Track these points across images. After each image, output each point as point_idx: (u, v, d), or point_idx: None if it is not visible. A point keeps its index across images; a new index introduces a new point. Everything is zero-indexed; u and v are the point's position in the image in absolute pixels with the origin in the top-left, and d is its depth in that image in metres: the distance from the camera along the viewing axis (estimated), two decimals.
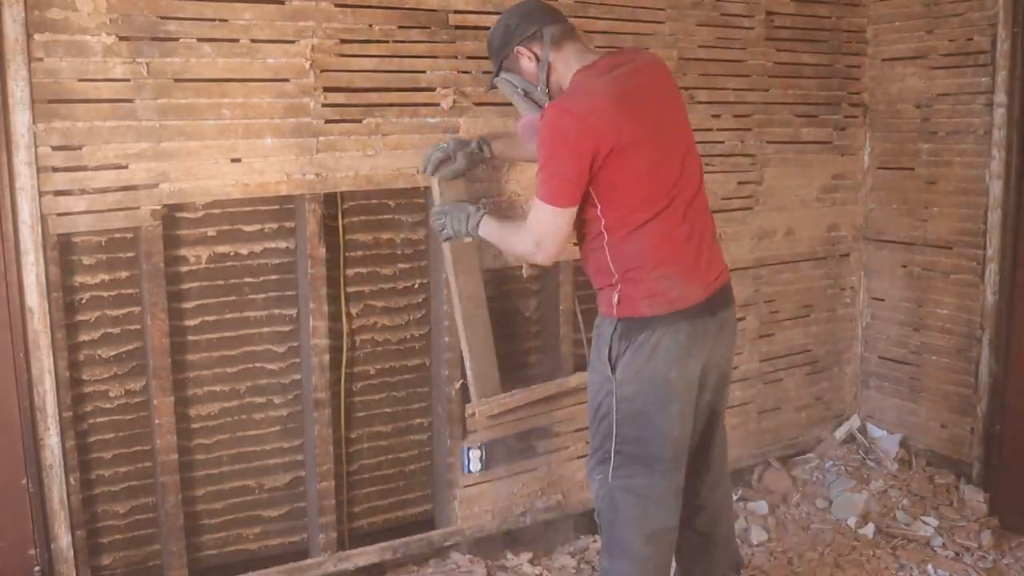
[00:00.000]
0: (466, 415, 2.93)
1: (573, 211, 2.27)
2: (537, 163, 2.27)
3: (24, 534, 2.41)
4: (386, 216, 2.92)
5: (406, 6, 2.73)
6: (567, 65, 2.32)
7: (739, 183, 3.46)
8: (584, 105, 2.20)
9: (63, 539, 2.45)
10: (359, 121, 2.71)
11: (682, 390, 2.33)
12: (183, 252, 2.65)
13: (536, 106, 2.39)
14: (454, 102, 2.83)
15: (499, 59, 2.40)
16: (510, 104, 2.89)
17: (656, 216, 2.27)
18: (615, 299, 2.31)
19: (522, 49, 2.34)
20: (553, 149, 2.21)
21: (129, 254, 2.57)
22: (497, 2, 2.86)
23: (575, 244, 2.46)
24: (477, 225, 2.53)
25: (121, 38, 2.38)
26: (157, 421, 2.57)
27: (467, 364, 2.86)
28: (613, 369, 2.32)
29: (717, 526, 2.60)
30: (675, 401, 2.32)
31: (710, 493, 2.56)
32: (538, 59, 2.33)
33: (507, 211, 2.93)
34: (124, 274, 2.57)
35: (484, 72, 2.86)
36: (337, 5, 2.64)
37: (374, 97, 2.72)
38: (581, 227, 2.36)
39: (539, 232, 2.29)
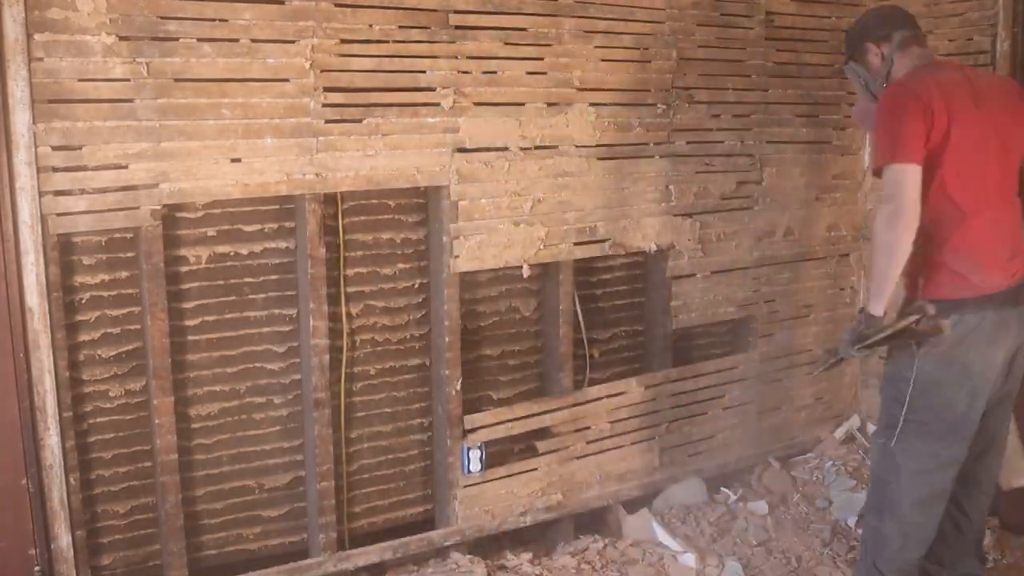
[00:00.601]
0: None
1: (917, 169, 2.36)
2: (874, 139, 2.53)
3: (24, 534, 2.41)
4: (386, 216, 2.92)
5: (406, 6, 2.73)
6: (905, 66, 2.57)
7: (739, 183, 3.46)
8: (918, 85, 2.44)
9: (63, 539, 2.45)
10: (359, 121, 2.71)
11: (978, 373, 2.46)
12: (183, 252, 2.65)
13: (872, 97, 2.66)
14: (454, 102, 2.83)
15: (851, 49, 2.71)
16: (509, 104, 2.91)
17: (967, 208, 2.42)
18: (921, 282, 2.48)
19: (871, 45, 2.64)
20: (890, 114, 2.42)
21: (129, 254, 2.57)
22: (497, 2, 2.86)
23: None
24: (860, 310, 2.53)
25: (121, 38, 2.38)
26: (157, 421, 2.57)
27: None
28: (918, 345, 2.44)
29: (974, 508, 2.69)
30: (969, 382, 2.45)
31: (976, 476, 2.64)
32: (883, 57, 2.62)
33: None
34: (124, 274, 2.57)
35: (484, 72, 2.87)
36: (337, 5, 2.64)
37: (374, 97, 2.72)
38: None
39: (888, 192, 2.39)
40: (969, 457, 2.56)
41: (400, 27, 2.73)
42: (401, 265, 2.96)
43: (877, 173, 2.45)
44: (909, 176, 2.36)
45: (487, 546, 3.11)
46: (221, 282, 2.71)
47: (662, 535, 3.17)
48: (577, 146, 3.06)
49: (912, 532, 2.53)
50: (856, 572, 2.70)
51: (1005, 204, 2.52)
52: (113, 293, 2.56)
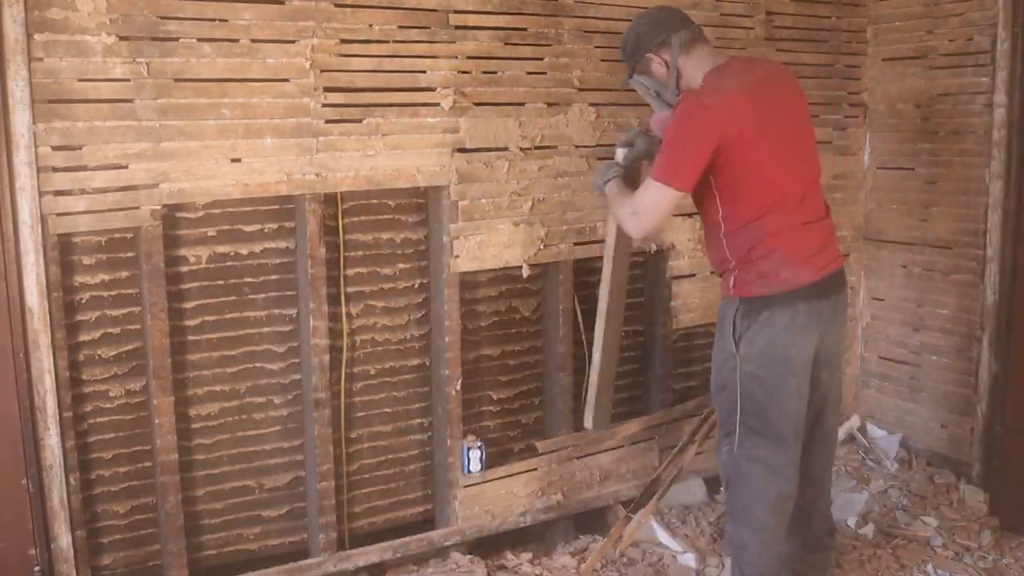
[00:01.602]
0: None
1: (679, 195, 2.42)
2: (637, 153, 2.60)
3: (24, 534, 2.41)
4: (386, 216, 2.92)
5: (406, 6, 2.73)
6: (696, 68, 2.52)
7: None
8: (715, 97, 2.40)
9: (63, 539, 2.45)
10: (359, 121, 2.71)
11: (799, 367, 2.51)
12: (183, 252, 2.65)
13: (667, 105, 2.61)
14: (454, 102, 2.83)
15: (632, 63, 2.62)
16: (509, 104, 2.91)
17: (770, 208, 2.45)
18: (732, 281, 2.52)
19: (652, 55, 2.55)
20: (679, 132, 2.40)
21: (129, 254, 2.57)
22: (497, 2, 2.86)
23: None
24: (605, 183, 2.65)
25: (121, 38, 2.38)
26: (157, 421, 2.57)
27: (591, 376, 2.87)
28: (737, 346, 2.50)
29: (819, 497, 2.74)
30: (792, 376, 2.50)
31: (812, 463, 2.68)
32: (667, 64, 2.54)
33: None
34: (124, 274, 2.57)
35: (484, 72, 2.87)
36: (337, 5, 2.64)
37: (374, 97, 2.72)
38: (703, 216, 2.57)
39: (640, 204, 2.46)
40: (803, 455, 2.61)
41: (400, 27, 2.73)
42: (401, 265, 2.96)
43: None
44: (667, 200, 2.41)
45: (487, 546, 3.11)
46: (221, 282, 2.71)
47: (662, 535, 3.17)
48: (577, 146, 3.07)
49: (768, 537, 2.56)
50: None
51: (809, 197, 2.53)
52: (113, 293, 2.56)
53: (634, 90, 2.71)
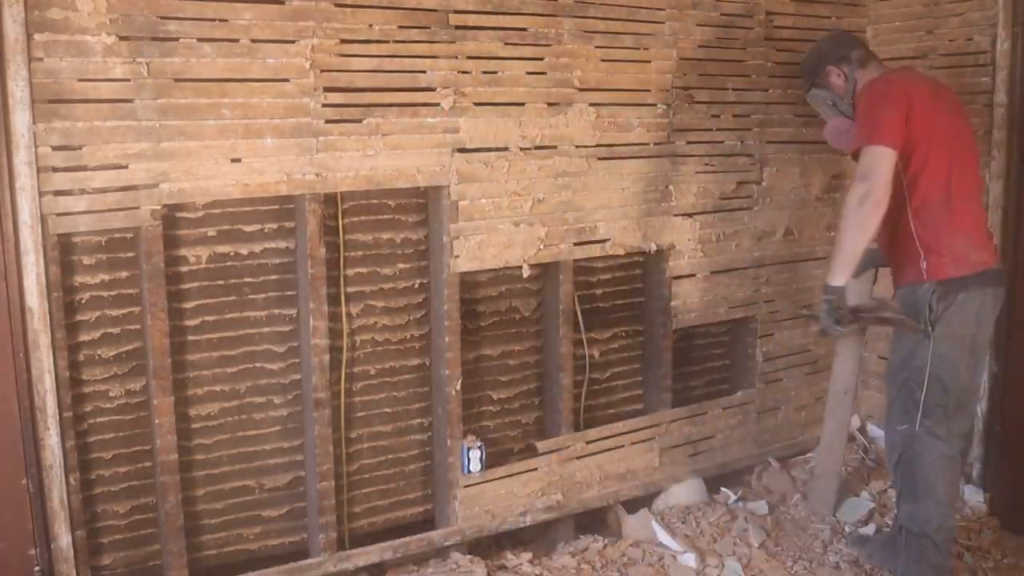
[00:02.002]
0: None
1: (893, 153, 2.54)
2: (855, 131, 2.73)
3: (24, 534, 2.41)
4: (386, 216, 2.92)
5: (406, 6, 2.73)
6: (870, 76, 2.83)
7: (739, 183, 3.46)
8: (896, 77, 2.74)
9: (63, 539, 2.45)
10: (359, 121, 2.71)
11: (981, 345, 2.70)
12: (183, 252, 2.65)
13: (841, 114, 2.97)
14: (454, 102, 2.83)
15: (812, 77, 3.02)
16: (509, 104, 2.91)
17: (955, 192, 2.62)
18: (923, 266, 2.62)
19: (832, 68, 2.94)
20: (872, 103, 2.63)
21: (129, 254, 2.57)
22: (497, 2, 2.86)
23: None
24: (824, 287, 2.68)
25: (121, 38, 2.38)
26: (157, 421, 2.57)
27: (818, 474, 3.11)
28: (932, 327, 2.61)
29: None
30: (973, 355, 2.67)
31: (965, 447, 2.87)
32: (846, 77, 2.92)
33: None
34: (124, 274, 2.57)
35: (484, 72, 2.87)
36: (337, 5, 2.64)
37: (374, 97, 2.72)
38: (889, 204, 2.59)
39: (862, 172, 2.55)
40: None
41: (400, 27, 2.73)
42: (401, 265, 2.96)
43: (855, 155, 2.64)
44: (885, 158, 2.53)
45: (487, 546, 3.12)
46: (221, 282, 2.71)
47: (662, 535, 3.17)
48: (577, 146, 3.06)
49: (948, 509, 2.71)
50: (903, 562, 2.77)
51: (976, 190, 2.76)
52: (113, 293, 2.56)
53: (807, 103, 3.12)
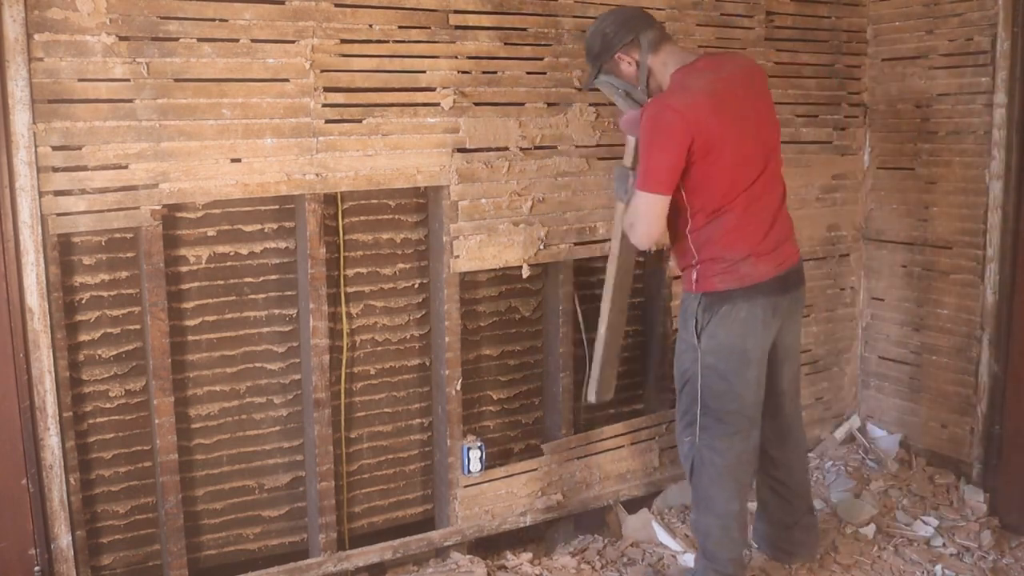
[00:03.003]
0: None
1: (667, 199, 2.51)
2: (637, 155, 2.55)
3: (24, 534, 2.41)
4: (386, 216, 2.92)
5: (406, 6, 2.73)
6: (665, 66, 2.58)
7: None
8: (684, 101, 2.45)
9: (63, 539, 2.45)
10: (359, 121, 2.71)
11: (757, 358, 2.62)
12: (183, 252, 2.65)
13: (636, 104, 2.65)
14: (454, 102, 2.83)
15: (598, 64, 2.66)
16: (509, 104, 2.91)
17: (732, 206, 2.53)
18: (694, 277, 2.60)
19: (621, 55, 2.60)
20: (653, 140, 2.46)
21: (129, 254, 2.57)
22: (497, 2, 2.86)
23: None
24: (627, 195, 2.64)
25: (121, 38, 2.38)
26: (157, 421, 2.57)
27: (596, 349, 2.90)
28: (698, 339, 2.59)
29: (792, 475, 2.89)
30: (751, 368, 2.61)
31: (782, 447, 2.86)
32: (637, 64, 2.59)
33: None
34: (124, 274, 2.57)
35: (484, 72, 2.87)
36: (337, 5, 2.64)
37: (374, 97, 2.72)
38: (669, 216, 2.57)
39: (636, 216, 2.54)
40: (772, 441, 2.81)
41: (400, 27, 2.73)
42: (401, 265, 2.96)
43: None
44: (655, 207, 2.50)
45: (487, 546, 3.11)
46: (221, 282, 2.71)
47: (662, 535, 3.17)
48: (577, 146, 3.06)
49: (730, 522, 2.69)
50: (695, 568, 2.81)
51: (769, 192, 2.62)
52: (113, 293, 2.56)
53: (598, 90, 2.75)
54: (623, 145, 3.07)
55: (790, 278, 2.67)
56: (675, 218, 2.60)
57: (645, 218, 2.52)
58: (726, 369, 2.59)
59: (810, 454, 3.76)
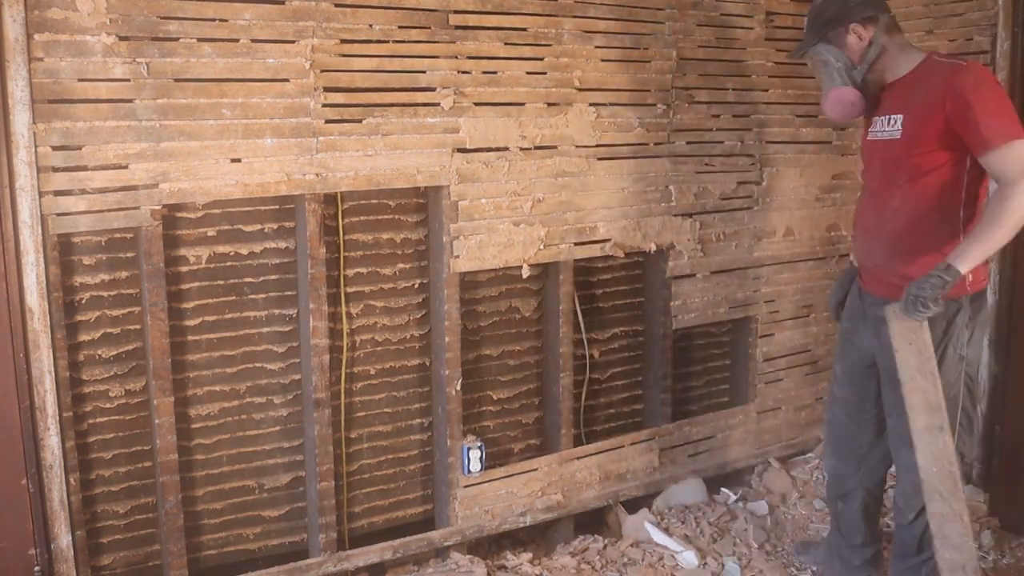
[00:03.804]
0: None
1: None
2: (978, 117, 2.26)
3: (24, 534, 2.41)
4: (386, 216, 2.92)
5: (406, 6, 2.73)
6: (900, 53, 2.48)
7: (739, 183, 3.46)
8: (979, 64, 2.39)
9: (63, 539, 2.45)
10: (359, 121, 2.71)
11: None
12: (183, 252, 2.65)
13: (850, 82, 2.48)
14: (454, 102, 2.83)
15: (824, 31, 2.49)
16: (509, 104, 2.91)
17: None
18: (969, 276, 2.37)
19: (856, 26, 2.45)
20: (998, 93, 2.30)
21: (129, 254, 2.57)
22: (497, 2, 2.86)
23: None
24: (948, 268, 2.26)
25: (121, 38, 2.38)
26: (157, 421, 2.57)
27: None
28: (966, 349, 2.43)
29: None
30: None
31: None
32: (870, 42, 2.45)
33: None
34: (124, 274, 2.57)
35: (484, 72, 2.86)
36: (337, 5, 2.64)
37: (374, 97, 2.72)
38: (929, 195, 2.38)
39: (1015, 169, 2.23)
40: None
41: (400, 27, 2.73)
42: (401, 265, 2.96)
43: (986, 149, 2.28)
44: None
45: (487, 546, 3.12)
46: (221, 282, 2.71)
47: (661, 535, 3.17)
48: (577, 146, 3.06)
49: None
50: (929, 564, 2.48)
51: None
52: (113, 293, 2.56)
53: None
54: (623, 144, 3.09)
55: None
56: (945, 197, 2.37)
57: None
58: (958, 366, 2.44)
59: (810, 454, 3.77)
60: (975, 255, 2.26)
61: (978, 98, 2.27)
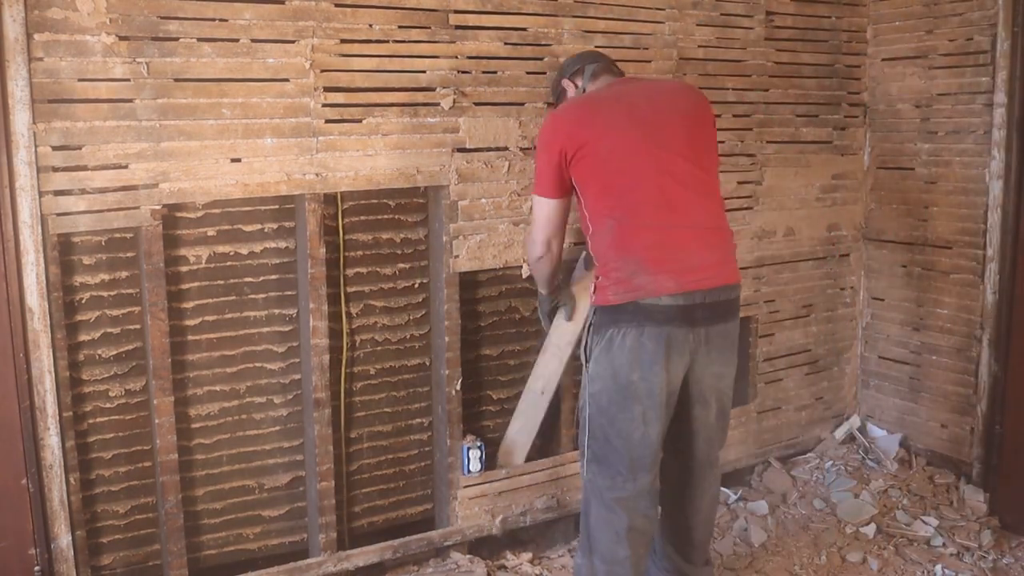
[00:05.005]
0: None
1: (554, 202, 2.54)
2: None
3: (24, 534, 2.41)
4: (386, 216, 2.92)
5: (406, 6, 2.73)
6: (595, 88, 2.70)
7: (739, 183, 3.46)
8: (564, 110, 2.57)
9: (63, 539, 2.45)
10: (359, 121, 2.71)
11: (644, 394, 2.34)
12: (183, 252, 2.65)
13: None
14: (454, 102, 2.83)
15: (556, 91, 2.84)
16: (509, 104, 2.92)
17: (626, 211, 2.38)
18: (593, 288, 2.48)
19: (567, 82, 2.76)
20: (537, 146, 2.56)
21: (129, 254, 2.57)
22: (497, 2, 2.86)
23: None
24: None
25: (121, 38, 2.38)
26: (157, 421, 2.57)
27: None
28: (587, 362, 2.45)
29: (692, 524, 2.63)
30: (636, 404, 2.34)
31: (684, 493, 2.60)
32: (577, 87, 2.74)
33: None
34: (124, 274, 2.57)
35: (484, 72, 2.87)
36: (337, 5, 2.64)
37: (374, 97, 2.72)
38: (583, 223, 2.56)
39: (534, 219, 2.62)
40: (676, 484, 2.57)
41: (400, 27, 2.73)
42: (401, 265, 2.96)
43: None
44: (546, 208, 2.54)
45: (487, 546, 3.11)
46: (221, 282, 2.71)
47: None
48: None
49: (617, 568, 2.42)
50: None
51: (688, 205, 2.40)
52: (113, 293, 2.56)
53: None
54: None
55: (700, 312, 2.35)
56: (583, 227, 2.52)
57: (536, 220, 2.59)
58: (609, 400, 2.35)
59: (810, 454, 3.76)
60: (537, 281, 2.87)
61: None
